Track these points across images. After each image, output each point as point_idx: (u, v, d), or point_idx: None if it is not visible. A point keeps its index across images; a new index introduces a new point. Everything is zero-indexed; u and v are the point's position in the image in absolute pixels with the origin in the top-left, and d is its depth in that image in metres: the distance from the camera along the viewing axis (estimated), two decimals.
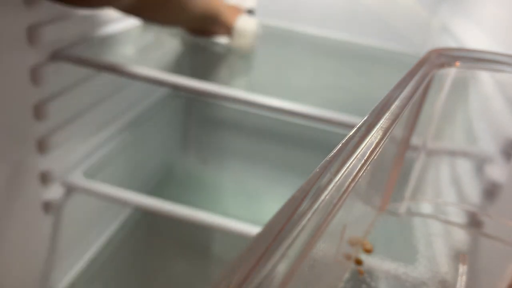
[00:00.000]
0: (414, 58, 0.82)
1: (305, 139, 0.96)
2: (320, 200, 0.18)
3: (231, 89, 0.56)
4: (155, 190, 0.93)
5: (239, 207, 0.91)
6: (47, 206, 0.63)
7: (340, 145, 0.21)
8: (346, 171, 0.20)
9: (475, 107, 0.40)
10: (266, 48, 0.84)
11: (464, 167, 0.42)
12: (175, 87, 0.57)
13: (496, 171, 0.41)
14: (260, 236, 0.16)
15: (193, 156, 1.03)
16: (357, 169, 0.20)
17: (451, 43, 0.85)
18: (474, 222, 0.36)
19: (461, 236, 0.36)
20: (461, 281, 0.30)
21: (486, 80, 0.37)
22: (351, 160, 0.20)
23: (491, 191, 0.40)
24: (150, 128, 0.87)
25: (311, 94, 0.71)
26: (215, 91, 0.56)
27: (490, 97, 0.42)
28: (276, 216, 0.17)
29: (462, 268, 0.31)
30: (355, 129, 0.22)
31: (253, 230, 0.58)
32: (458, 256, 0.33)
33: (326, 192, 0.19)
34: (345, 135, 0.22)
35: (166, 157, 1.01)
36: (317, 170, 0.20)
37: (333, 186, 0.19)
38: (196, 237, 0.84)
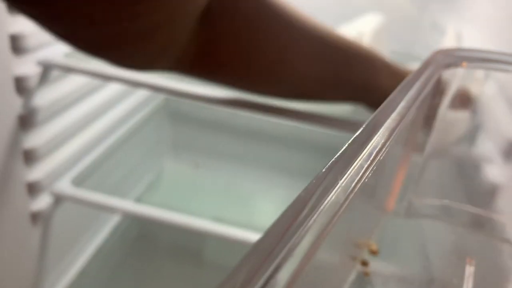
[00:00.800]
0: (403, 55, 0.84)
1: (298, 140, 0.96)
2: (325, 201, 0.19)
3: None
4: (145, 196, 0.93)
5: (232, 210, 0.91)
6: (35, 217, 0.64)
7: (346, 145, 0.22)
8: (352, 172, 0.21)
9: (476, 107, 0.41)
10: None
11: (471, 167, 0.43)
12: (170, 93, 0.57)
13: (503, 172, 0.42)
14: (265, 236, 0.17)
15: (184, 160, 1.04)
16: (363, 169, 0.21)
17: (442, 41, 0.86)
18: (481, 223, 0.37)
19: (468, 238, 0.37)
20: (468, 282, 0.31)
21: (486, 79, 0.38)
22: (357, 161, 0.21)
23: (497, 192, 0.41)
24: (139, 133, 0.88)
25: None
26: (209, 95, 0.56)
27: (491, 97, 0.43)
28: (281, 216, 0.18)
29: (469, 270, 0.32)
30: (361, 129, 0.23)
31: (246, 235, 0.58)
32: (465, 258, 0.33)
33: (332, 193, 0.19)
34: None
35: (156, 162, 1.02)
36: (323, 170, 0.21)
37: (339, 186, 0.20)
38: (188, 243, 0.84)
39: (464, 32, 0.76)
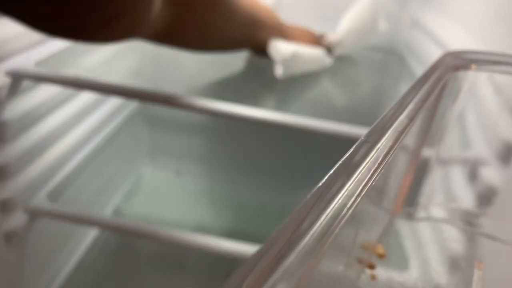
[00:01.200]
0: (383, 53, 0.85)
1: (284, 144, 0.97)
2: (332, 204, 0.19)
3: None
4: (124, 206, 0.92)
5: (216, 219, 0.91)
6: (9, 237, 0.62)
7: (354, 148, 0.22)
8: (360, 175, 0.21)
9: (474, 109, 0.42)
10: None
11: (477, 171, 0.44)
12: (149, 101, 0.57)
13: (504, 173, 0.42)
14: (272, 240, 0.17)
15: (162, 167, 1.03)
16: (371, 173, 0.21)
17: (423, 38, 0.88)
18: (487, 227, 0.38)
19: (476, 241, 0.37)
20: (477, 287, 0.32)
21: (483, 81, 0.39)
22: (364, 164, 0.22)
23: (504, 196, 0.42)
24: (115, 140, 0.87)
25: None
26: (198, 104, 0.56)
27: (488, 99, 0.44)
28: (288, 220, 0.18)
29: (477, 274, 0.33)
30: (369, 131, 0.23)
31: (231, 245, 0.58)
32: (473, 262, 0.34)
33: (339, 196, 0.20)
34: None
35: (134, 170, 1.01)
36: (331, 173, 0.21)
37: (346, 189, 0.20)
38: (170, 253, 0.84)
39: (448, 29, 0.77)
